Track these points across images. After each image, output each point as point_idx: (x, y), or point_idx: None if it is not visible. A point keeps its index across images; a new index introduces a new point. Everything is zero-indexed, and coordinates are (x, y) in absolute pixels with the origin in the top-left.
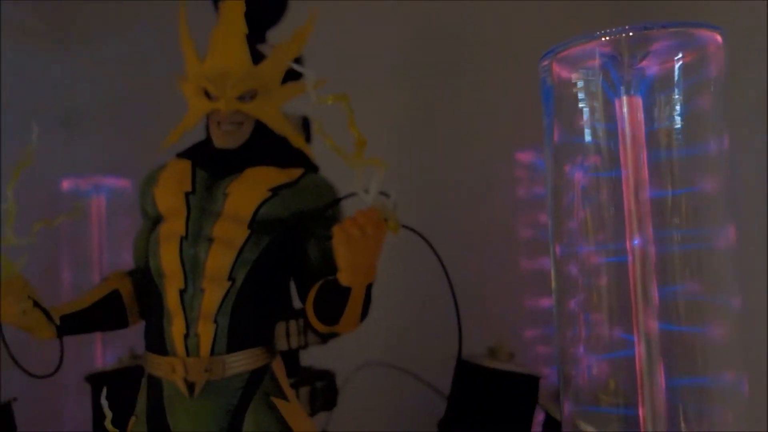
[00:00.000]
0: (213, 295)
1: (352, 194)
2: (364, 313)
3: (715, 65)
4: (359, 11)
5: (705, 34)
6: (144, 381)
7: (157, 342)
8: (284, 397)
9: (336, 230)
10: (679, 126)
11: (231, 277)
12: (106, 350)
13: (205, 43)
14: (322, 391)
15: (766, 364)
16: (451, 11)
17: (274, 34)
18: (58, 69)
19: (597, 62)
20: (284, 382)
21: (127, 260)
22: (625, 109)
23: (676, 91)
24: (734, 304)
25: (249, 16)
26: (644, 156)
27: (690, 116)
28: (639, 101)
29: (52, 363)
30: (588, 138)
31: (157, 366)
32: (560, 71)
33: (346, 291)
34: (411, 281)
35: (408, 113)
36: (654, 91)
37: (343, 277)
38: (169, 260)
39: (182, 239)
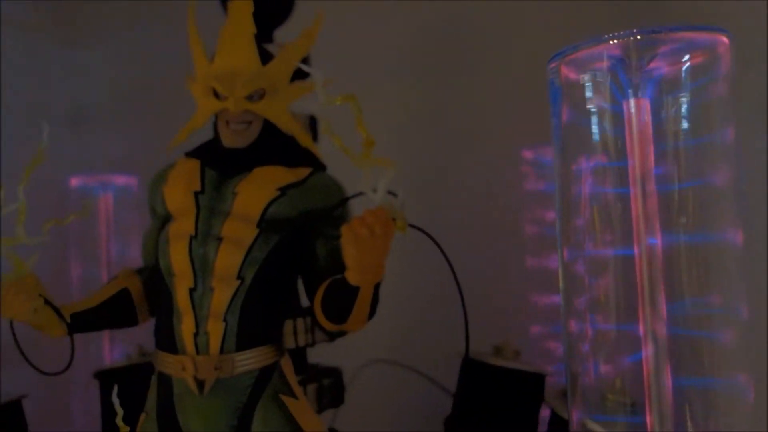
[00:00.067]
0: (222, 293)
1: (360, 193)
2: (372, 312)
3: (722, 67)
4: (365, 10)
5: (712, 36)
6: (154, 379)
7: (167, 340)
8: (293, 395)
9: (344, 230)
10: (686, 127)
11: (240, 276)
12: (114, 347)
13: (213, 43)
14: (329, 389)
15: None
16: (456, 11)
17: (280, 33)
18: (66, 67)
19: (605, 64)
20: (293, 380)
21: (134, 257)
22: (632, 111)
23: (684, 92)
24: (741, 306)
25: (256, 15)
26: (652, 157)
27: (697, 117)
28: (647, 103)
29: (59, 360)
30: (596, 139)
31: (167, 364)
32: (568, 73)
33: (355, 290)
34: (416, 279)
35: (413, 112)
36: (661, 92)
37: (352, 277)
38: (178, 259)
39: (191, 238)
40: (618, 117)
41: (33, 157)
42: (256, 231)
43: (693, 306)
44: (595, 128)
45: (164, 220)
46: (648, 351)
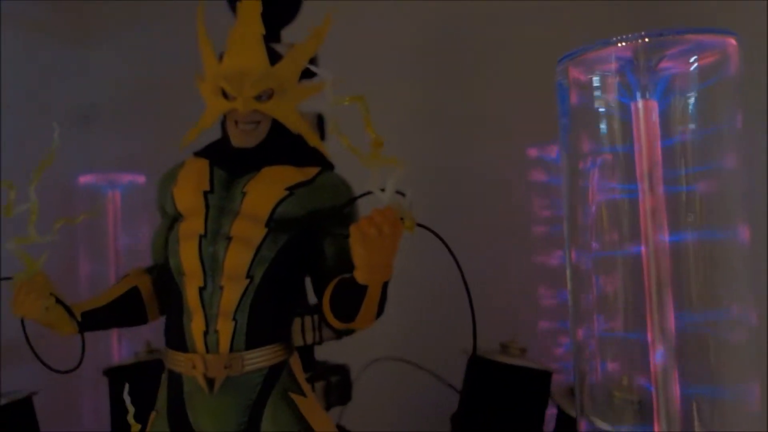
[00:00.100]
0: (232, 292)
1: (368, 193)
2: (380, 311)
3: (731, 68)
4: (372, 11)
5: (720, 38)
6: (164, 377)
7: (177, 339)
8: (302, 393)
9: (353, 229)
10: (693, 126)
11: (249, 275)
12: (123, 344)
13: (222, 43)
14: (337, 386)
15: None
16: (463, 11)
17: (286, 32)
18: (75, 66)
19: (613, 66)
20: (301, 378)
21: (142, 255)
22: (641, 112)
23: (692, 93)
24: (749, 308)
25: (264, 15)
26: (659, 156)
27: (705, 117)
28: (654, 104)
29: (67, 357)
30: (603, 138)
31: (178, 362)
32: (576, 74)
33: (363, 289)
34: (423, 277)
35: (420, 112)
36: (669, 93)
37: (360, 276)
38: (188, 258)
39: (201, 238)
40: (626, 118)
41: (44, 157)
42: (265, 230)
43: (701, 303)
44: (602, 127)
45: (174, 219)
46: (656, 349)
